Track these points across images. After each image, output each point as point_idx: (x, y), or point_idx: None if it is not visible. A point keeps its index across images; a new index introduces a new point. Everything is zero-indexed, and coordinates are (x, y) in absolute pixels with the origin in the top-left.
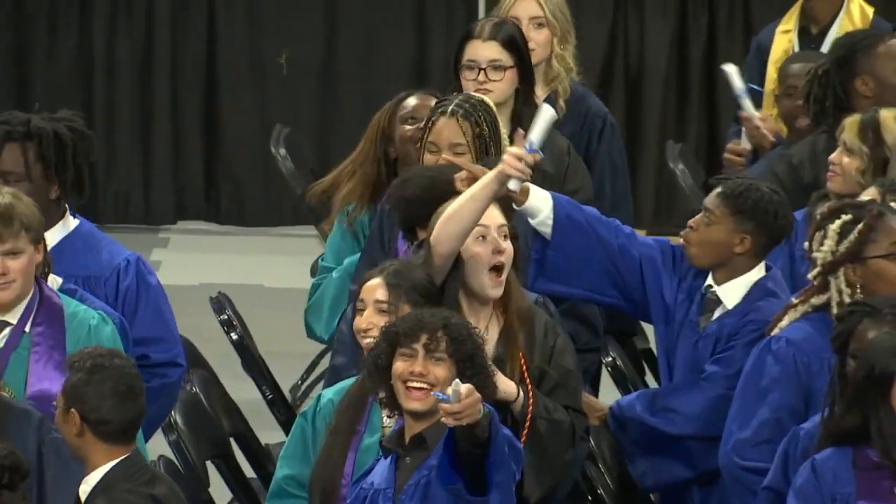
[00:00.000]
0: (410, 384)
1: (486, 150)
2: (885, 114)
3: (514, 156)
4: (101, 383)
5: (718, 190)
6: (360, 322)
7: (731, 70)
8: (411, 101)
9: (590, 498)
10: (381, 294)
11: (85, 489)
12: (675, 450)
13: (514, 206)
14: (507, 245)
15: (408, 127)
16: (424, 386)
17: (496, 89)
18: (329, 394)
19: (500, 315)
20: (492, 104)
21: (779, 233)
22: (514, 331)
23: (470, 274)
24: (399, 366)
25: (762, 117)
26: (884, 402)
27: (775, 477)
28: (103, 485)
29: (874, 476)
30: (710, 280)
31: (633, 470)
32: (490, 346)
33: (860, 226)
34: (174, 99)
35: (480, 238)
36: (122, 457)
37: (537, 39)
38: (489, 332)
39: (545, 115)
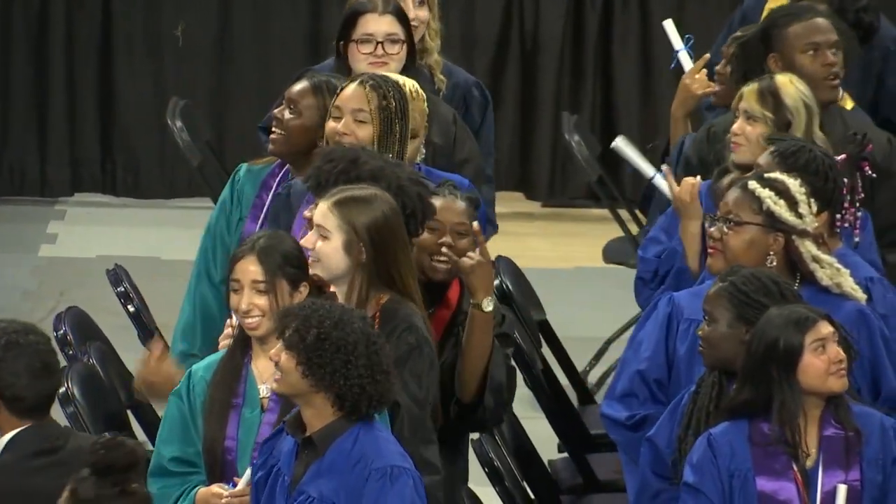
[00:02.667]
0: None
1: (391, 125)
2: (781, 78)
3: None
4: (15, 360)
5: (771, 149)
6: (240, 303)
7: (669, 26)
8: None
9: (487, 471)
10: (257, 273)
11: None
12: None
13: None
14: (320, 244)
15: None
16: (277, 374)
17: (392, 62)
18: (200, 370)
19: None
20: (409, 85)
21: (828, 196)
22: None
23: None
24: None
25: (694, 71)
26: (787, 377)
27: (659, 431)
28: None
29: (770, 451)
30: None
31: None
32: None
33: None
34: (69, 71)
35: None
36: (18, 429)
37: (420, 16)
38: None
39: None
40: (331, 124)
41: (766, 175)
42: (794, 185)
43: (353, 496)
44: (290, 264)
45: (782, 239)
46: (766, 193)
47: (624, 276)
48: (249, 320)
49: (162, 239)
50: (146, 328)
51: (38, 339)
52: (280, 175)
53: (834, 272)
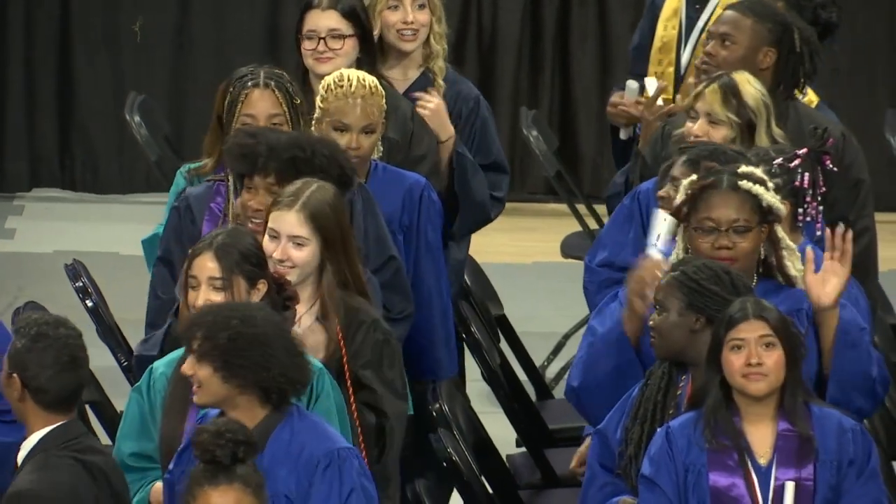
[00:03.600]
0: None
1: (298, 119)
2: (739, 77)
3: (651, 266)
4: (43, 351)
5: (683, 158)
6: (196, 299)
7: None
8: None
9: (444, 465)
10: (214, 270)
11: (22, 454)
12: None
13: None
14: (296, 254)
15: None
16: (196, 386)
17: (336, 57)
18: (161, 366)
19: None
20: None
21: None
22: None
23: None
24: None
25: (651, 102)
26: (718, 369)
27: (609, 423)
28: (37, 449)
29: (723, 448)
30: None
31: None
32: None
33: (691, 190)
34: (28, 66)
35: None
36: (58, 424)
37: (419, 19)
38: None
39: (658, 218)
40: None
41: (740, 171)
42: (759, 171)
43: (302, 484)
44: (248, 262)
45: (767, 229)
46: (760, 189)
47: (582, 271)
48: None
49: (120, 234)
50: (104, 323)
51: (69, 332)
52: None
53: (797, 261)
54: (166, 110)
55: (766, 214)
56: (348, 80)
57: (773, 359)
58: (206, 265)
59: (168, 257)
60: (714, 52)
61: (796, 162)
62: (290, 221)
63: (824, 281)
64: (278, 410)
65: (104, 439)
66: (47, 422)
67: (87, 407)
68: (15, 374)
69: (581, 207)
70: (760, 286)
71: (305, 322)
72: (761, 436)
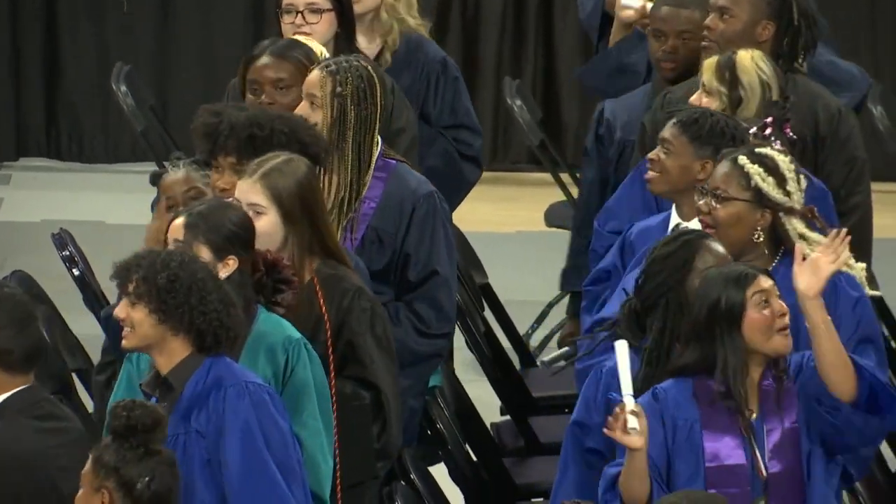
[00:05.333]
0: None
1: (345, 112)
2: (742, 54)
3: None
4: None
5: (674, 120)
6: None
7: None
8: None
9: (429, 433)
10: (180, 233)
11: None
12: None
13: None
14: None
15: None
16: (127, 329)
17: (314, 32)
18: None
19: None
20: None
21: None
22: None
23: None
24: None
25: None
26: (730, 335)
27: (580, 413)
28: None
29: (715, 408)
30: (676, 218)
31: None
32: None
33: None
34: (14, 37)
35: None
36: (19, 388)
37: None
38: None
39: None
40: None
41: (756, 150)
42: (783, 161)
43: (216, 420)
44: (216, 234)
45: (769, 216)
46: (754, 170)
47: (565, 239)
48: None
49: (106, 203)
50: (90, 291)
51: (14, 291)
52: None
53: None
54: (152, 81)
55: (760, 197)
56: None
57: (788, 311)
58: (177, 229)
59: None
60: (713, 26)
61: (769, 131)
62: (246, 189)
63: (810, 272)
64: (200, 354)
65: (90, 407)
66: (11, 385)
67: (73, 375)
68: None
69: (564, 176)
70: (783, 264)
71: None
72: (750, 391)
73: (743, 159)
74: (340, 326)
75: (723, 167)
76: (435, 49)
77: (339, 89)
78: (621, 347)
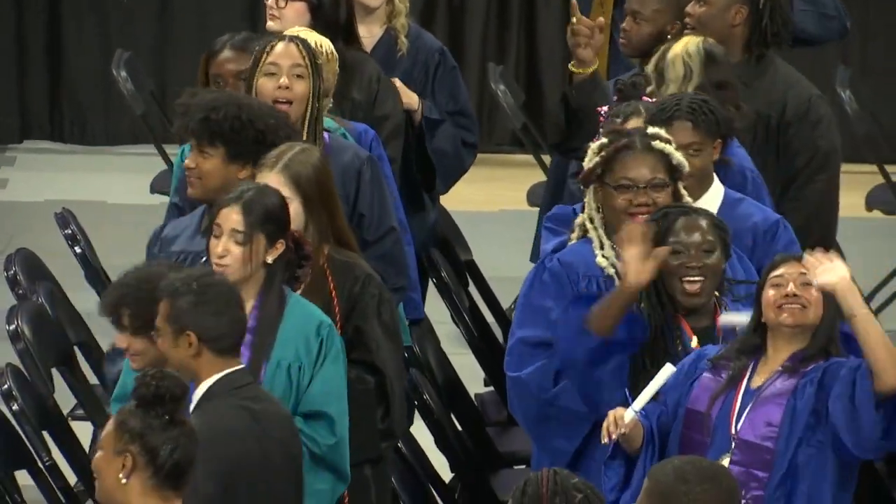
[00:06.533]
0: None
1: (320, 82)
2: (682, 41)
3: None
4: (211, 301)
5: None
6: (216, 246)
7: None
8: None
9: (416, 405)
10: (238, 223)
11: (193, 402)
12: None
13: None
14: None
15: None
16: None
17: (282, 17)
18: None
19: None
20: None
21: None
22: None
23: None
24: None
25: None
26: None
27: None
28: (206, 396)
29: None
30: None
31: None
32: None
33: (604, 152)
34: (19, 24)
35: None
36: (228, 370)
37: None
38: None
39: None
40: (264, 81)
41: (650, 132)
42: (663, 131)
43: None
44: (270, 221)
45: (672, 186)
46: (668, 148)
47: None
48: (221, 264)
49: (107, 184)
50: (92, 268)
51: (223, 279)
52: None
53: None
54: (151, 67)
55: (674, 172)
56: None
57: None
58: (231, 216)
59: (181, 204)
60: (692, 11)
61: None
62: (271, 182)
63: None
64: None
65: (92, 378)
66: (220, 367)
67: (75, 347)
68: (189, 332)
69: (546, 158)
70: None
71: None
72: (767, 364)
73: (658, 144)
74: (350, 312)
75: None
76: (432, 39)
77: (318, 61)
78: (667, 370)
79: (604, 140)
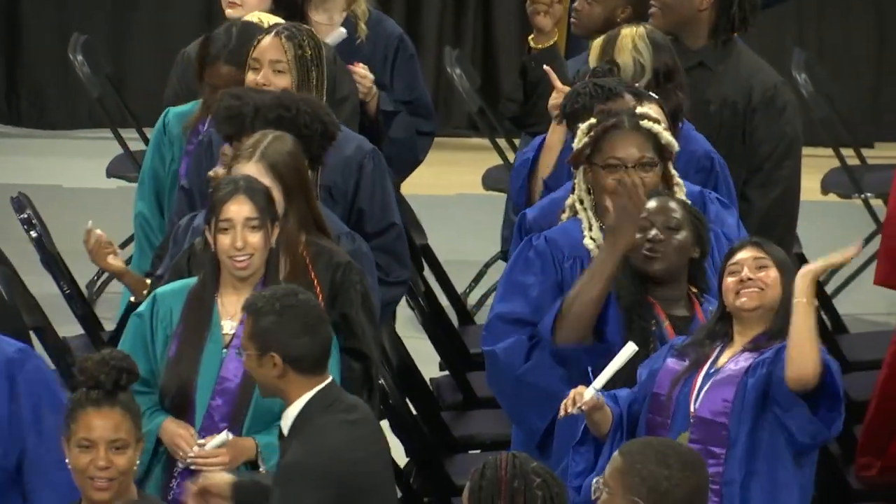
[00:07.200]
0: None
1: (308, 73)
2: (625, 32)
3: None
4: (293, 321)
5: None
6: (234, 241)
7: None
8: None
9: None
10: (249, 211)
11: (285, 423)
12: None
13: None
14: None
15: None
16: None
17: (244, 4)
18: (167, 297)
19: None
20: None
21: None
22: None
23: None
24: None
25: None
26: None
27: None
28: (303, 416)
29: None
30: None
31: None
32: None
33: (593, 132)
34: None
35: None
36: (318, 387)
37: None
38: None
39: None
40: (249, 76)
41: (638, 112)
42: (653, 111)
43: None
44: (271, 203)
45: (662, 166)
46: (656, 127)
47: (502, 202)
48: (242, 257)
49: (64, 168)
50: (48, 253)
51: (307, 297)
52: (208, 121)
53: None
54: (109, 51)
55: (662, 151)
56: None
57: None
58: (241, 208)
59: (189, 187)
60: None
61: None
62: (252, 173)
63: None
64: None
65: (49, 364)
66: (308, 387)
67: (31, 333)
68: (272, 353)
69: (501, 142)
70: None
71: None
72: (730, 350)
73: (646, 123)
74: (334, 299)
75: (635, 138)
76: (393, 26)
77: (299, 52)
78: (628, 349)
79: (593, 120)
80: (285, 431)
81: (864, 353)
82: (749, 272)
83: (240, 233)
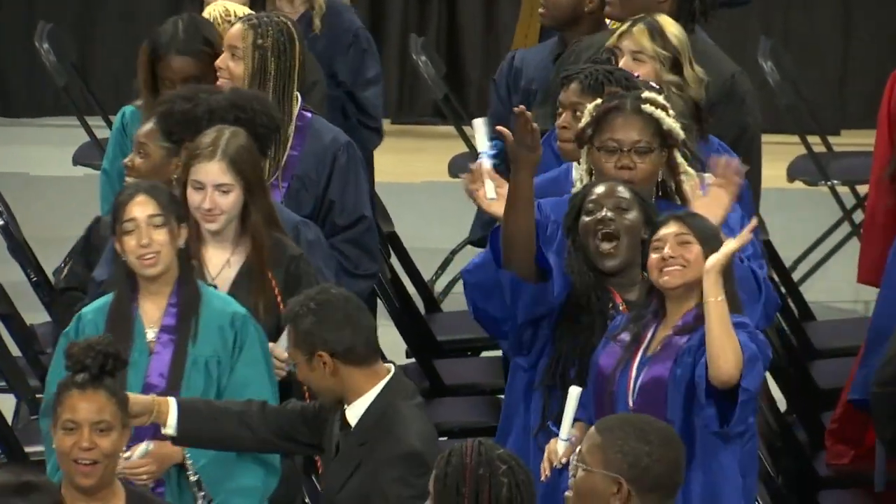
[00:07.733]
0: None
1: (265, 62)
2: (661, 18)
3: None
4: (332, 316)
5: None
6: (140, 240)
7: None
8: None
9: None
10: (152, 208)
11: (353, 414)
12: None
13: None
14: (223, 201)
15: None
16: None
17: None
18: (90, 313)
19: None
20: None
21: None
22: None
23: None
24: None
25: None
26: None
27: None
28: (380, 406)
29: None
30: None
31: None
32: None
33: (596, 112)
34: None
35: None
36: (389, 376)
37: None
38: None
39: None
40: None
41: (643, 96)
42: (661, 97)
43: None
44: (175, 204)
45: (667, 154)
46: (658, 113)
47: None
48: (149, 256)
49: (30, 155)
50: (14, 240)
51: (340, 290)
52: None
53: (696, 186)
54: (74, 39)
55: (665, 138)
56: (229, 13)
57: (679, 255)
58: (144, 207)
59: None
60: None
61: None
62: (213, 171)
63: (708, 206)
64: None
65: (15, 351)
66: (372, 377)
67: None
68: (319, 352)
69: (467, 129)
70: (659, 207)
71: (235, 264)
72: (663, 331)
73: (648, 107)
74: (291, 292)
75: (635, 122)
76: (351, 20)
77: (259, 41)
78: (574, 393)
79: (599, 101)
80: (352, 423)
81: (832, 340)
82: (670, 250)
83: (144, 231)
